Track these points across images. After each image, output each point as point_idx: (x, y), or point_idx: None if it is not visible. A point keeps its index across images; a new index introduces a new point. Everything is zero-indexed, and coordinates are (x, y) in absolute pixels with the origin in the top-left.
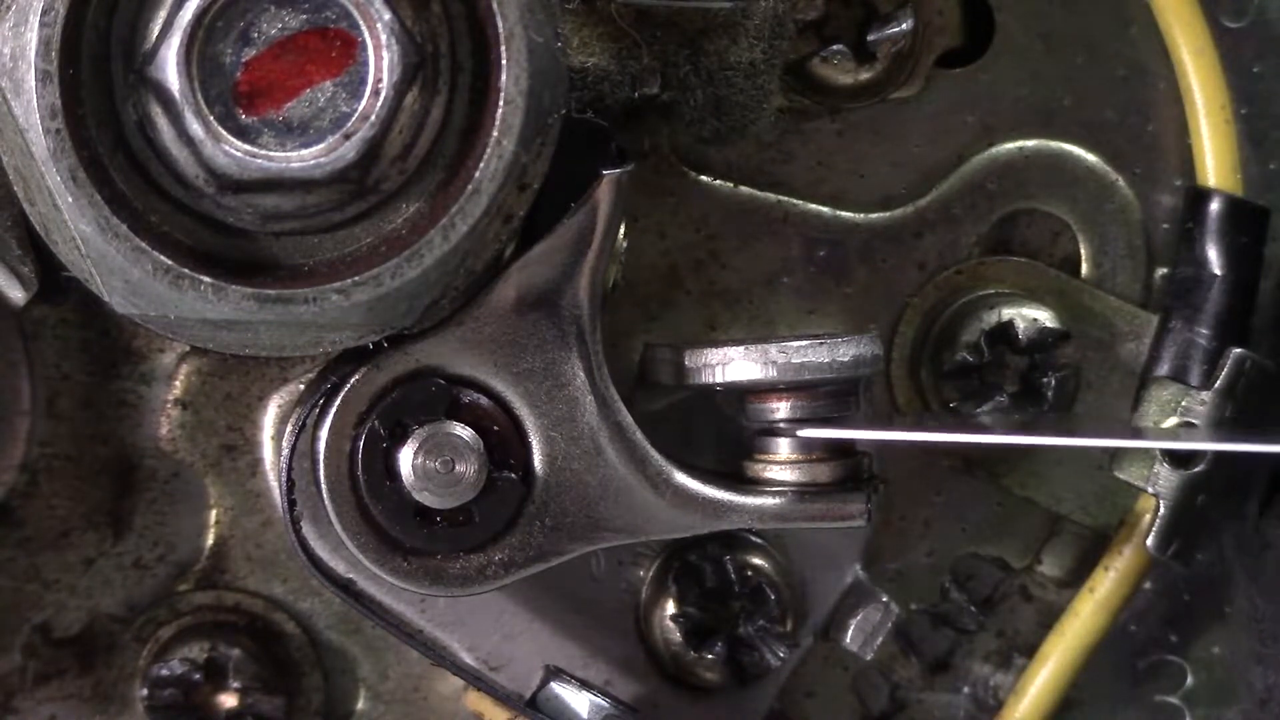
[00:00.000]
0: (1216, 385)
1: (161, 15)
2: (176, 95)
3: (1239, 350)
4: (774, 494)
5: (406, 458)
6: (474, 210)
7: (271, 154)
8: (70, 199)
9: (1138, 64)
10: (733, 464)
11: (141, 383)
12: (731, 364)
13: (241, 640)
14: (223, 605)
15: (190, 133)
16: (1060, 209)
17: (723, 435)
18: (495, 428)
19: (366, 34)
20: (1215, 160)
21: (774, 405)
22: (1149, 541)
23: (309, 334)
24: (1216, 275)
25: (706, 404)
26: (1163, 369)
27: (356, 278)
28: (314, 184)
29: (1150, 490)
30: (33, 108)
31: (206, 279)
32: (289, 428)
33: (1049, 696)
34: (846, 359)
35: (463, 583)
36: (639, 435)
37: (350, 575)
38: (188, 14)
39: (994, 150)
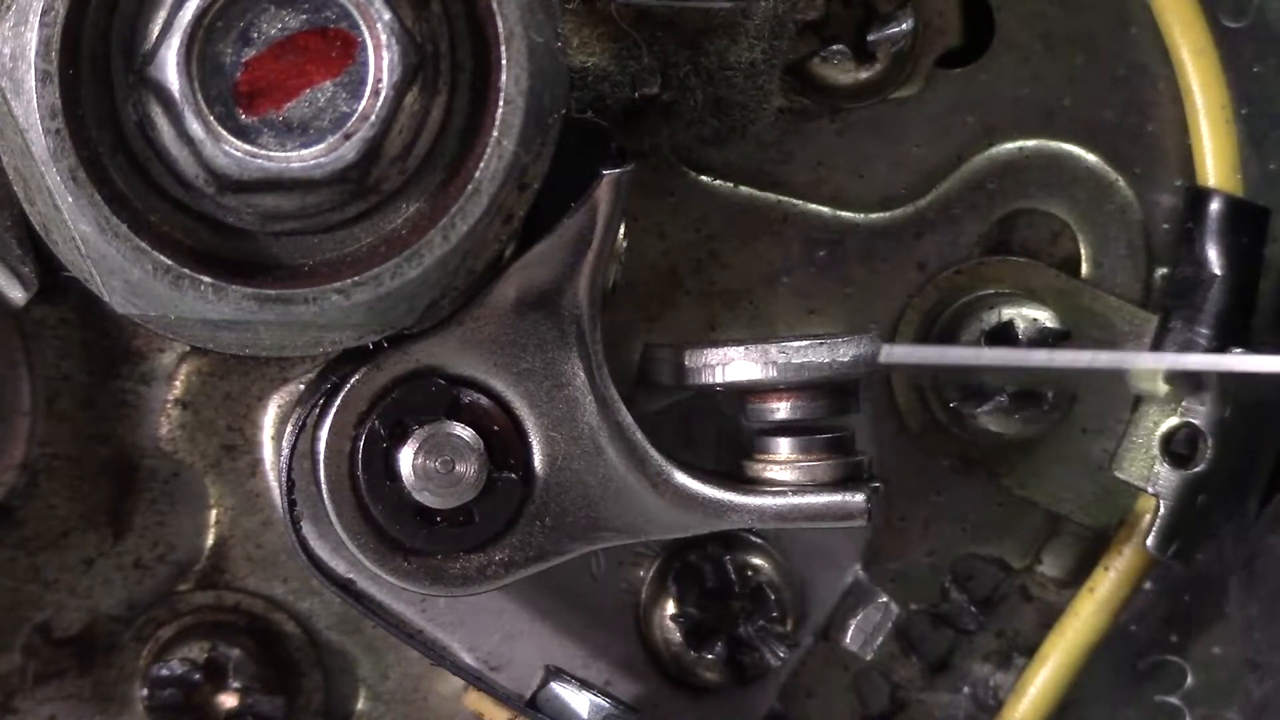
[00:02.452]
0: (1216, 385)
1: (161, 15)
2: (176, 95)
3: (1239, 350)
4: (774, 494)
5: (406, 458)
6: (474, 210)
7: (271, 154)
8: (70, 199)
9: (1138, 64)
10: (733, 464)
11: (141, 383)
12: (731, 364)
13: (241, 640)
14: (223, 605)
15: (190, 133)
16: (1060, 209)
17: (723, 435)
18: (495, 428)
19: (366, 34)
20: (1215, 160)
21: (774, 405)
22: (1149, 541)
23: (309, 334)
24: (1216, 275)
25: (706, 404)
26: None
27: (356, 278)
28: (314, 184)
29: (1150, 490)
30: (33, 108)
31: (206, 279)
32: (289, 428)
33: (1049, 696)
34: (846, 359)
35: (463, 583)
36: (639, 435)
37: (350, 575)
38: (188, 14)
39: (994, 150)
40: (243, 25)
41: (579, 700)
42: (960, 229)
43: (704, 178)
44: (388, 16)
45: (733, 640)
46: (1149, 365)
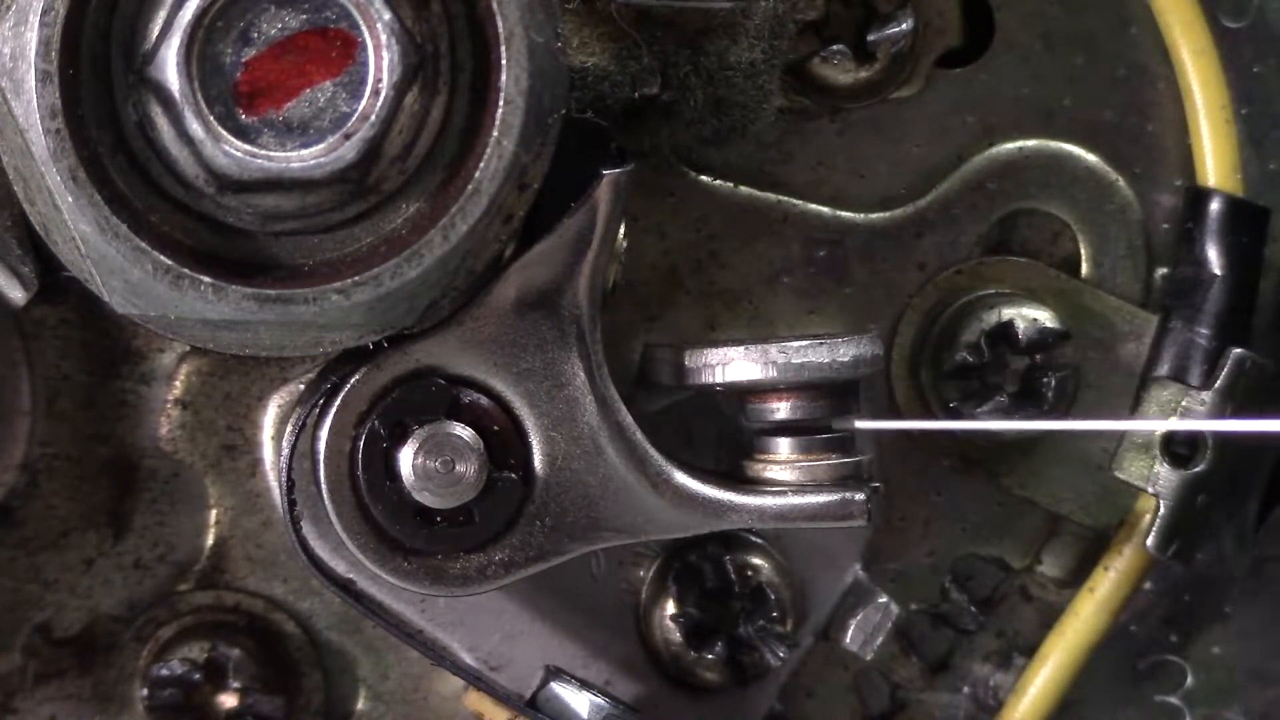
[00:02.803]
0: (1216, 385)
1: (161, 15)
2: (176, 95)
3: (1239, 350)
4: (774, 494)
5: (406, 458)
6: (474, 210)
7: (271, 154)
8: (70, 199)
9: (1138, 64)
10: (733, 464)
11: (141, 383)
12: (731, 364)
13: (241, 640)
14: (223, 605)
15: (190, 133)
16: (1060, 209)
17: (723, 435)
18: (495, 428)
19: (366, 34)
20: (1215, 160)
21: (774, 405)
22: (1149, 541)
23: (309, 334)
24: (1216, 275)
25: (706, 404)
26: (1163, 369)
27: (356, 278)
28: (314, 184)
29: (1150, 490)
30: (33, 108)
31: (206, 279)
32: (289, 428)
33: (1049, 696)
34: (846, 359)
35: (463, 583)
36: (639, 435)
37: (350, 575)
38: (188, 14)
39: (994, 150)
40: (243, 25)
41: (579, 700)
42: (960, 229)
43: (704, 178)
44: (388, 16)
45: (733, 640)
46: (1145, 429)
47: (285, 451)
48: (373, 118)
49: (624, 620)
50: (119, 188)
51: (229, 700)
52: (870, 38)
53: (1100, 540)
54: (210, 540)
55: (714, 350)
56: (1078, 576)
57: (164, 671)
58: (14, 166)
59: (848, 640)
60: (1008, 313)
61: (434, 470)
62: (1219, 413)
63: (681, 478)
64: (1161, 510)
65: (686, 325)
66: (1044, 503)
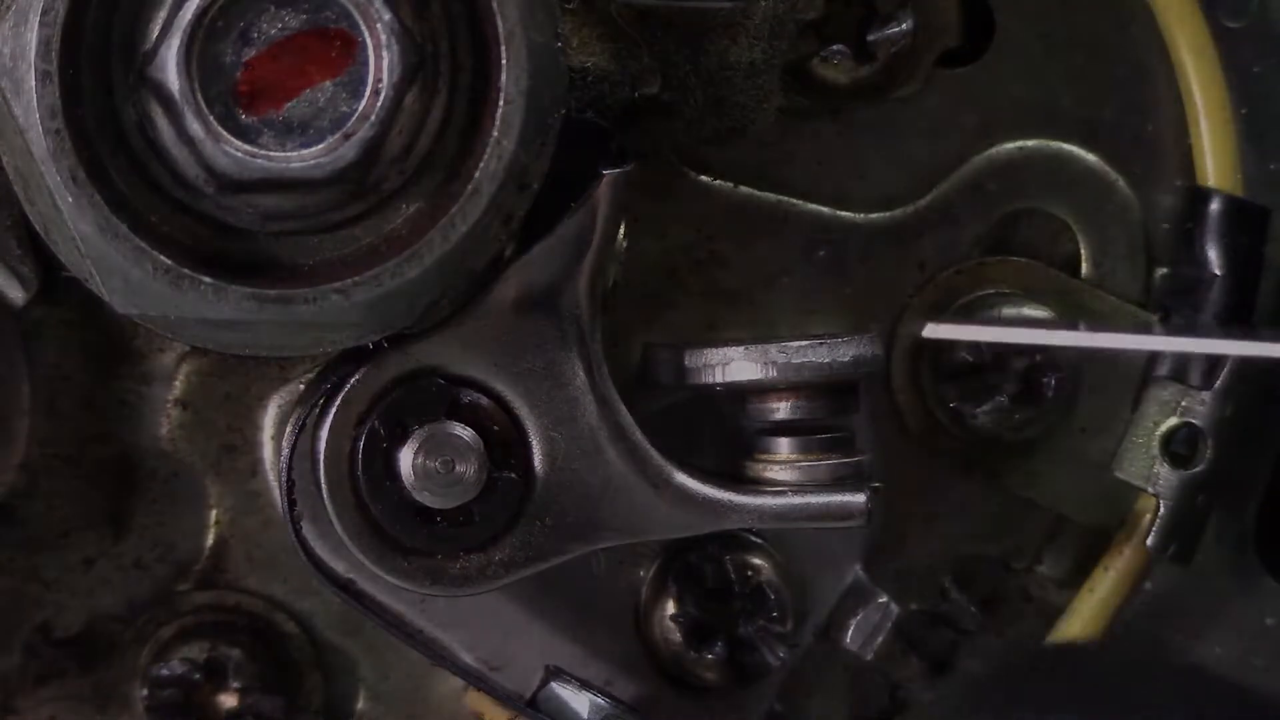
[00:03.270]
0: (1216, 386)
1: (161, 15)
2: (176, 95)
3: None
4: (774, 494)
5: (406, 458)
6: (474, 210)
7: (271, 154)
8: (70, 199)
9: (1138, 64)
10: (733, 464)
11: (141, 383)
12: (731, 364)
13: (241, 640)
14: (223, 605)
15: (190, 133)
16: (1060, 209)
17: (723, 435)
18: (495, 428)
19: (366, 34)
20: (1215, 160)
21: (774, 405)
22: (1149, 541)
23: (309, 334)
24: (1216, 275)
25: (706, 404)
26: (1163, 369)
27: (356, 278)
28: (314, 184)
29: (1150, 490)
30: (33, 108)
31: (206, 279)
32: (289, 428)
33: None
34: (846, 359)
35: (463, 583)
36: (639, 435)
37: (350, 575)
38: (188, 14)
39: (994, 150)
40: (243, 25)
41: (579, 700)
42: (960, 229)
43: (704, 178)
44: (388, 16)
45: (733, 640)
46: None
47: (285, 451)
48: (373, 118)
49: (624, 620)
50: (119, 188)
51: (229, 700)
52: (870, 38)
53: (1100, 540)
54: (210, 540)
55: (714, 350)
56: (1078, 576)
57: (164, 671)
58: (14, 166)
59: (848, 640)
60: (1008, 313)
61: (434, 470)
62: (1219, 413)
63: (681, 478)
64: (1161, 510)
65: (686, 325)
66: (1044, 503)
